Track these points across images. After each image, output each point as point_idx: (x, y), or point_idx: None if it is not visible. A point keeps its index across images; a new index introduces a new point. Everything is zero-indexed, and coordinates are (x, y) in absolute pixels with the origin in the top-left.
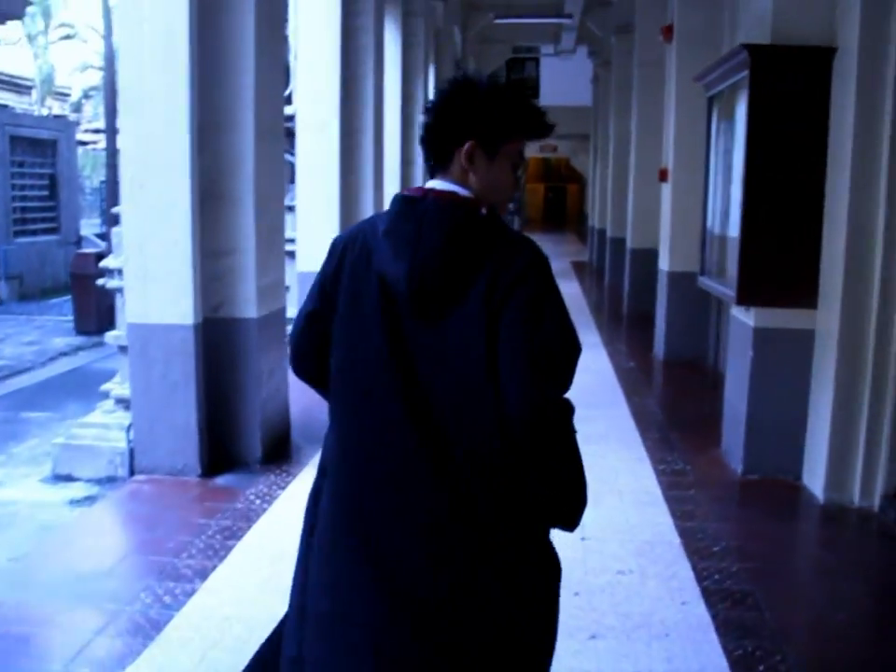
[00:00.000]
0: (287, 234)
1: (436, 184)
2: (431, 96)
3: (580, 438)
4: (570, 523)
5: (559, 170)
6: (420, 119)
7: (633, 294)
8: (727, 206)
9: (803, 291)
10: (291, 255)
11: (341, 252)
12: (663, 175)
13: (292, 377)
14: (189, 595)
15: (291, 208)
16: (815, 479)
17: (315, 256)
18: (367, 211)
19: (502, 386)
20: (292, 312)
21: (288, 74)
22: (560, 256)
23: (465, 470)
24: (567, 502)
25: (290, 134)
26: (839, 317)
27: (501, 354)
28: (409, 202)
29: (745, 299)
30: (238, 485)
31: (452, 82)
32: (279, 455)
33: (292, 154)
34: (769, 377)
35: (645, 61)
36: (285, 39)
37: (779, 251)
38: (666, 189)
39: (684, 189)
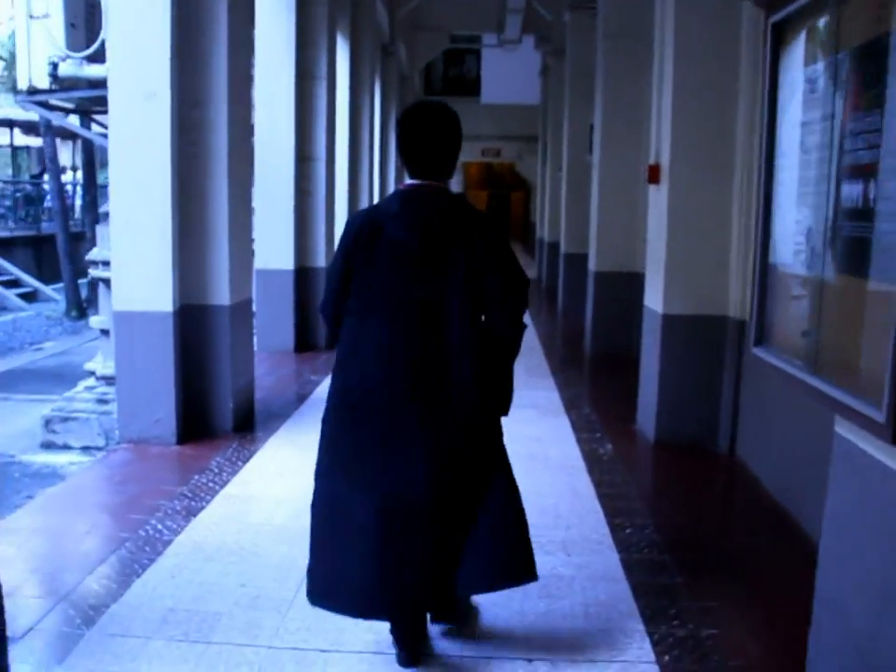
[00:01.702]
0: (102, 256)
1: (422, 181)
2: (413, 119)
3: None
4: (506, 408)
5: (503, 176)
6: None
7: (598, 330)
8: (832, 222)
9: None
10: (108, 284)
11: (358, 228)
12: (653, 175)
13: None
14: None
15: (106, 215)
16: None
17: (139, 290)
18: (221, 221)
19: (488, 309)
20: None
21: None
22: None
23: (453, 357)
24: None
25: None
26: None
27: (485, 286)
28: (410, 194)
29: None
30: None
31: (444, 115)
32: None
33: (105, 137)
34: None
35: (614, 32)
36: None
37: None
38: (659, 195)
39: (688, 192)
